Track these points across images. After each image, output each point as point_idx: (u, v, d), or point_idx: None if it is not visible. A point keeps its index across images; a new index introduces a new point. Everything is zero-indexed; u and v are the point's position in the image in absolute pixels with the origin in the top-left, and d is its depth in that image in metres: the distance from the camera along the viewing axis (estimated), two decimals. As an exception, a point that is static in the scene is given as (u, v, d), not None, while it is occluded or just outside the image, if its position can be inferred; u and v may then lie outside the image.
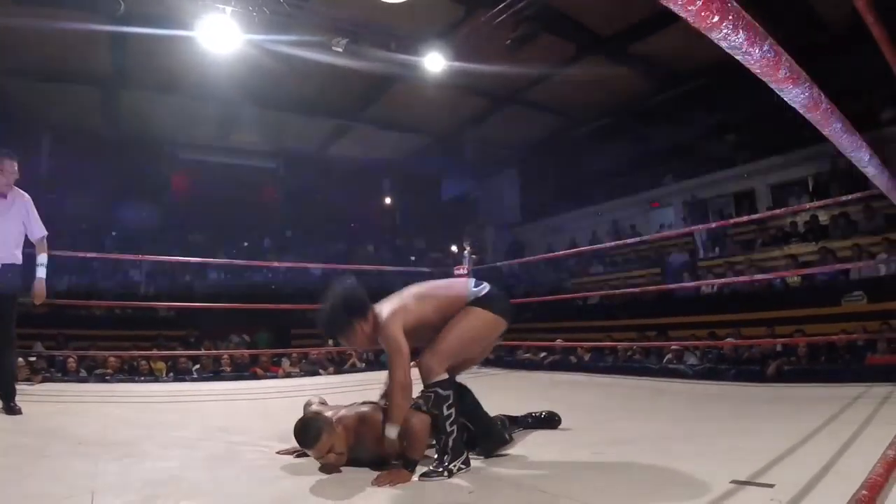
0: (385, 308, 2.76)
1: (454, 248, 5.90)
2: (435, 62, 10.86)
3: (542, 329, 11.78)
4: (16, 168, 4.07)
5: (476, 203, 18.40)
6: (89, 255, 7.65)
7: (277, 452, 2.94)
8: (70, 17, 9.70)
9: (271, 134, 16.05)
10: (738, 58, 1.16)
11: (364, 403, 2.84)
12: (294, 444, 2.73)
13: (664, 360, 8.92)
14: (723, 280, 9.64)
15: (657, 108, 13.46)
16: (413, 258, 9.22)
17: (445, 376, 2.62)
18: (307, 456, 2.73)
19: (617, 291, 9.81)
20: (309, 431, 2.57)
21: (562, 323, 11.82)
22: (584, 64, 11.95)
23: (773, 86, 1.29)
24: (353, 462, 2.64)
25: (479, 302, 2.76)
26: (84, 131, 14.88)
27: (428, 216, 17.51)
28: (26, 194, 4.22)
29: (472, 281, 2.92)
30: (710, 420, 3.80)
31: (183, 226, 16.83)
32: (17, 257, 4.10)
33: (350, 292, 2.78)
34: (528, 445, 3.09)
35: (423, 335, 2.72)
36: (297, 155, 17.50)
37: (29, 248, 4.29)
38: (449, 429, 2.55)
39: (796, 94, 1.33)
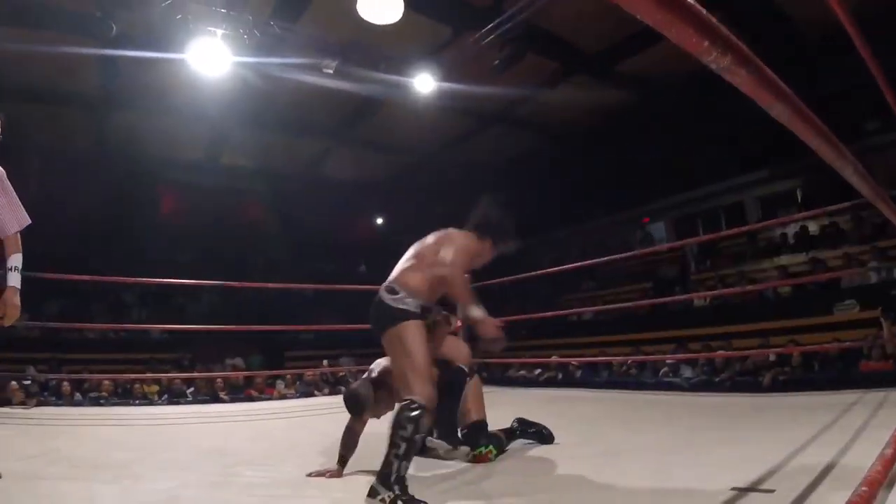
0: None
1: None
2: (425, 83, 10.93)
3: (535, 346, 11.82)
4: None
5: (465, 222, 18.44)
6: (82, 277, 7.58)
7: (308, 475, 2.88)
8: (59, 40, 9.77)
9: (261, 155, 16.05)
10: (726, 78, 1.20)
11: None
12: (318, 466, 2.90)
13: (660, 374, 8.95)
14: (713, 293, 9.71)
15: (644, 124, 13.57)
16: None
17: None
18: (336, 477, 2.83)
19: (611, 307, 9.85)
20: (352, 404, 2.86)
21: (556, 340, 11.85)
22: (571, 82, 12.06)
23: (759, 103, 1.33)
24: None
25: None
26: (72, 153, 14.86)
27: (419, 236, 17.52)
28: (1, 168, 3.15)
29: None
30: (708, 430, 3.82)
31: (171, 247, 16.77)
32: None
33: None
34: (526, 458, 3.10)
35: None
36: (287, 176, 17.49)
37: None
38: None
39: (781, 110, 1.37)
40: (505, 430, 3.35)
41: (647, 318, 11.40)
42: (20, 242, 3.00)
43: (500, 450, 3.18)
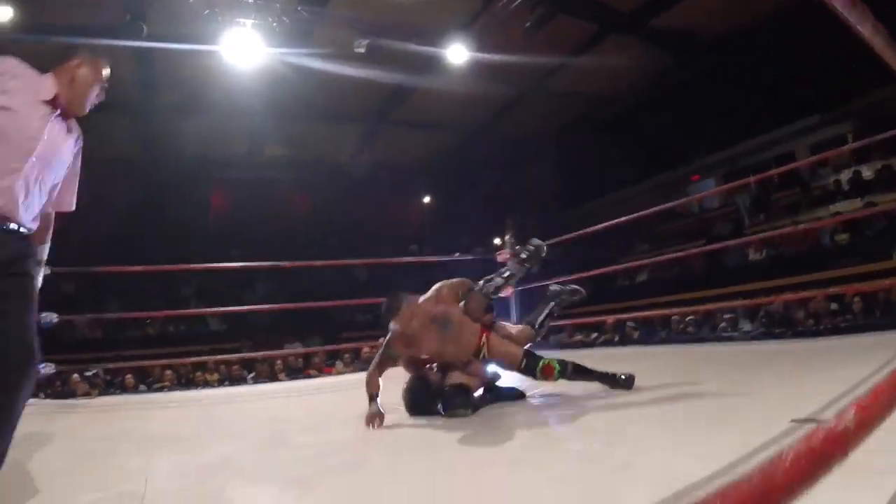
0: None
1: (497, 241, 5.96)
2: (458, 54, 10.89)
3: (590, 312, 11.75)
4: (103, 76, 2.62)
5: (515, 194, 18.38)
6: (137, 268, 7.82)
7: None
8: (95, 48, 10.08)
9: (302, 145, 16.26)
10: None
11: None
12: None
13: (718, 329, 8.88)
14: (764, 234, 9.53)
15: (687, 81, 13.33)
16: (457, 254, 9.25)
17: None
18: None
19: (662, 258, 9.73)
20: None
21: (612, 304, 11.80)
22: (607, 43, 11.89)
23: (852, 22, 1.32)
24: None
25: None
26: (117, 158, 15.32)
27: (468, 212, 17.56)
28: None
29: None
30: (768, 372, 3.82)
31: (222, 243, 17.14)
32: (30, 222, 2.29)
33: None
34: (583, 397, 3.19)
35: None
36: (330, 163, 17.69)
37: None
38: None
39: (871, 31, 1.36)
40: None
41: (703, 277, 11.28)
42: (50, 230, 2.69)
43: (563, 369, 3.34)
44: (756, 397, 2.85)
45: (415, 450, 2.66)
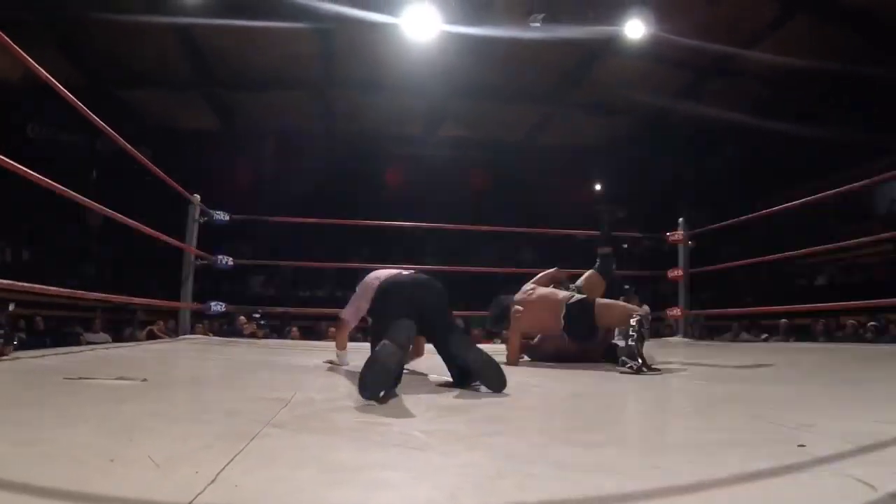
0: None
1: (668, 234, 6.00)
2: (635, 29, 10.66)
3: (762, 316, 11.31)
4: None
5: (690, 185, 17.87)
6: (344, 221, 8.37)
7: None
8: (278, 32, 11.11)
9: (477, 125, 16.71)
10: None
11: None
12: None
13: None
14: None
15: (881, 66, 12.18)
16: (626, 245, 9.19)
17: None
18: None
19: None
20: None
21: (785, 306, 11.31)
22: (794, 24, 11.21)
23: None
24: None
25: None
26: (301, 131, 16.58)
27: (640, 203, 17.30)
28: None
29: None
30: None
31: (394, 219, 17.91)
32: None
33: None
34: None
35: None
36: (505, 145, 18.03)
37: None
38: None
39: None
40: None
41: (888, 283, 10.53)
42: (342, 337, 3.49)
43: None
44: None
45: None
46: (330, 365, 3.42)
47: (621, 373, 3.26)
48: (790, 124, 13.68)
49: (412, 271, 3.30)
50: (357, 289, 3.32)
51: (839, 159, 14.03)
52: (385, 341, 2.25)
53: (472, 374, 2.55)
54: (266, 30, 11.50)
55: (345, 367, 3.28)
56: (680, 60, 12.72)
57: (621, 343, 3.50)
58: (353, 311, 3.32)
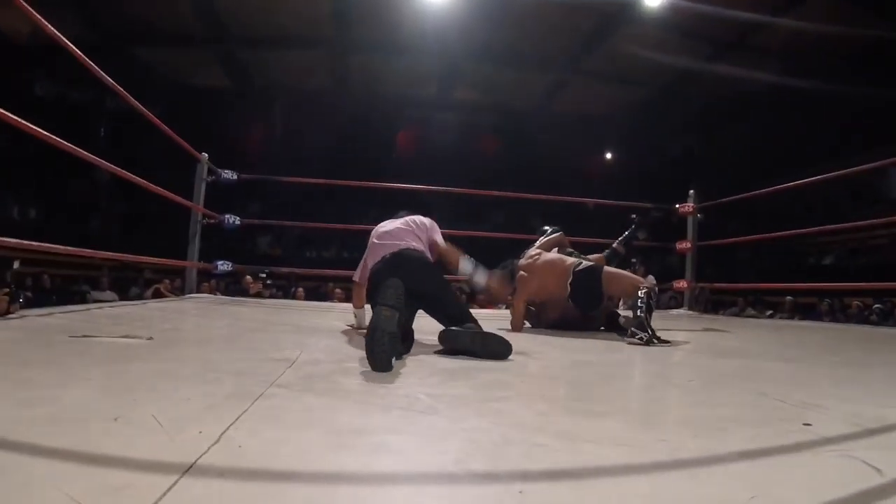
0: None
1: (677, 206, 5.96)
2: None
3: (765, 291, 11.31)
4: None
5: (702, 159, 17.74)
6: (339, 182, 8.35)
7: None
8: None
9: (491, 89, 16.61)
10: None
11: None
12: None
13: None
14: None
15: None
16: (634, 216, 9.08)
17: None
18: None
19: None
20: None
21: (791, 284, 11.29)
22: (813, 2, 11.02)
23: None
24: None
25: None
26: (314, 92, 16.51)
27: (651, 173, 17.19)
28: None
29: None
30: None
31: (405, 181, 17.84)
32: None
33: None
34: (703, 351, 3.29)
35: None
36: (517, 110, 17.93)
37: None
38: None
39: None
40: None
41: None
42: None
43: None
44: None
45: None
46: (348, 327, 3.44)
47: (629, 343, 3.25)
48: (809, 100, 13.46)
49: (406, 221, 3.25)
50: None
51: (858, 138, 13.88)
52: (378, 307, 2.21)
53: (473, 355, 2.50)
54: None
55: (352, 328, 3.34)
56: (698, 31, 12.52)
57: (628, 314, 3.50)
58: (362, 269, 3.28)
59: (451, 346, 2.53)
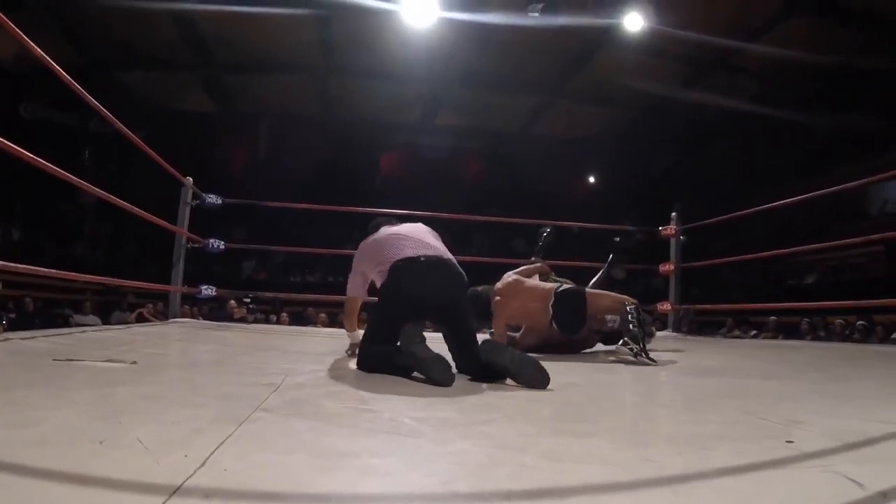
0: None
1: (660, 229, 5.98)
2: (633, 22, 10.70)
3: (750, 312, 11.37)
4: None
5: (685, 179, 17.87)
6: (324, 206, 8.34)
7: None
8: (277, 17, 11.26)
9: (475, 114, 16.71)
10: None
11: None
12: None
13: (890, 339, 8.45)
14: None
15: (881, 66, 12.19)
16: (617, 239, 9.16)
17: None
18: None
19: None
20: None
21: (774, 304, 11.37)
22: (794, 21, 11.21)
23: None
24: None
25: None
26: (298, 116, 16.58)
27: (635, 194, 17.31)
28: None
29: None
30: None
31: (387, 206, 17.83)
32: None
33: None
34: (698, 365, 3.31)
35: None
36: (501, 133, 18.03)
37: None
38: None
39: None
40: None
41: (878, 283, 10.58)
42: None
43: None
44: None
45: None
46: (347, 353, 3.25)
47: (618, 350, 3.44)
48: (788, 119, 13.64)
49: (420, 229, 3.02)
50: (356, 255, 3.02)
51: (835, 156, 14.06)
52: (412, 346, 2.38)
53: (510, 376, 2.40)
54: (265, 15, 11.44)
55: (333, 353, 3.27)
56: (678, 54, 12.71)
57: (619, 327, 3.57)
58: (359, 280, 3.02)
59: (489, 358, 2.44)
